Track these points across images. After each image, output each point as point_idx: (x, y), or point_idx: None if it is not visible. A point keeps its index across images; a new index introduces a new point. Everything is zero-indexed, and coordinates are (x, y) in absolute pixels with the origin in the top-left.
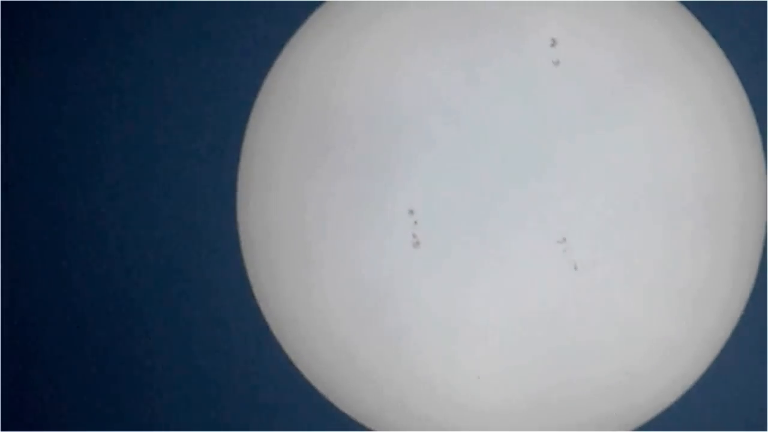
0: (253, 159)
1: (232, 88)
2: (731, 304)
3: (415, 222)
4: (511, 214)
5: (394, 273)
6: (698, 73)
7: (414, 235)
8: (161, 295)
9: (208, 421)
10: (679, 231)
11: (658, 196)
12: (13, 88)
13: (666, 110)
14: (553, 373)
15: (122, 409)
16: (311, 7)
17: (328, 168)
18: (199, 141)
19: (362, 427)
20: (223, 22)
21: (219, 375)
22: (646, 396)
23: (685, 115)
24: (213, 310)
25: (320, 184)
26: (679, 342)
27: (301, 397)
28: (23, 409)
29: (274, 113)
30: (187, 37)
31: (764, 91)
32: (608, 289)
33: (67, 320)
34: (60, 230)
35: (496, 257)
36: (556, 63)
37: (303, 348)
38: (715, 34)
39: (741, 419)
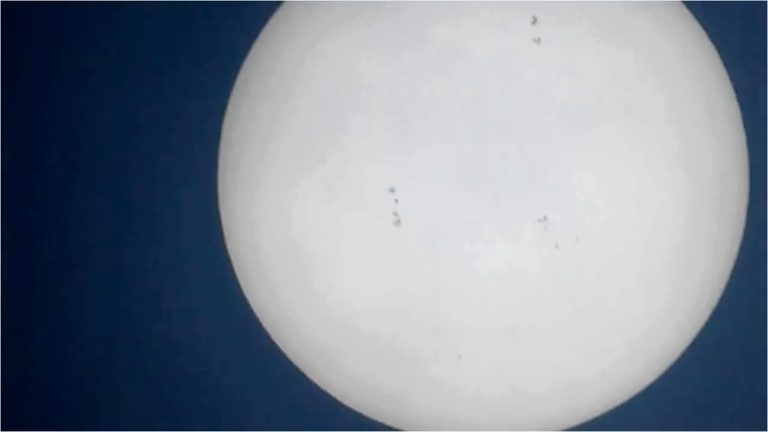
0: (232, 146)
1: (207, 81)
2: (710, 284)
3: (396, 200)
4: (491, 192)
5: (375, 251)
6: (683, 59)
7: (395, 214)
8: (158, 293)
9: (209, 421)
10: (662, 210)
11: (641, 177)
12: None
13: (648, 93)
14: (534, 351)
15: (122, 409)
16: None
17: (309, 151)
18: (181, 133)
19: (361, 419)
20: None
21: (216, 377)
22: (625, 375)
23: (669, 97)
24: (201, 299)
25: (301, 167)
26: (659, 322)
27: (291, 385)
28: (23, 409)
29: (250, 104)
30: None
31: (764, 92)
32: (589, 267)
33: (66, 320)
34: (53, 227)
35: (477, 236)
36: (537, 41)
37: (287, 327)
38: (711, 33)
39: (741, 419)
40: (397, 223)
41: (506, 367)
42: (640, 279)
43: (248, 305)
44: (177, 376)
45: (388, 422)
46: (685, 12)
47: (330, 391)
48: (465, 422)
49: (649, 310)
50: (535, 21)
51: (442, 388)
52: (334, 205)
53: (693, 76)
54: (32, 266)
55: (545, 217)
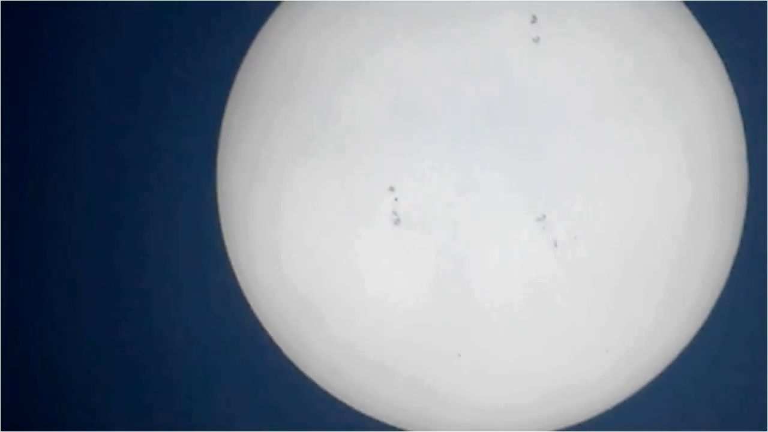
0: (231, 145)
1: (205, 80)
2: (710, 284)
3: (396, 199)
4: (490, 191)
5: (374, 250)
6: (683, 59)
7: (394, 212)
8: (157, 293)
9: (209, 421)
10: (661, 209)
11: (640, 176)
12: None
13: (648, 92)
14: (533, 350)
15: (121, 410)
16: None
17: (308, 149)
18: (180, 133)
19: (361, 418)
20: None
21: (216, 378)
22: (625, 375)
23: (668, 97)
24: (200, 298)
25: (300, 166)
26: (658, 321)
27: (291, 385)
28: (23, 409)
29: (249, 103)
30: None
31: (764, 92)
32: (588, 265)
33: (64, 320)
34: (51, 226)
35: (476, 235)
36: (536, 40)
37: (282, 325)
38: (711, 33)
39: (741, 419)
40: (397, 222)
41: (505, 365)
42: (640, 278)
43: (247, 305)
44: (176, 377)
45: (388, 422)
46: (685, 12)
47: (329, 391)
48: (463, 422)
49: (649, 309)
50: (534, 20)
51: (441, 387)
52: (333, 203)
53: (693, 76)
54: (30, 266)
55: (544, 216)
